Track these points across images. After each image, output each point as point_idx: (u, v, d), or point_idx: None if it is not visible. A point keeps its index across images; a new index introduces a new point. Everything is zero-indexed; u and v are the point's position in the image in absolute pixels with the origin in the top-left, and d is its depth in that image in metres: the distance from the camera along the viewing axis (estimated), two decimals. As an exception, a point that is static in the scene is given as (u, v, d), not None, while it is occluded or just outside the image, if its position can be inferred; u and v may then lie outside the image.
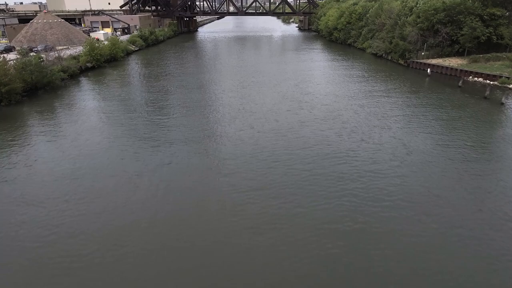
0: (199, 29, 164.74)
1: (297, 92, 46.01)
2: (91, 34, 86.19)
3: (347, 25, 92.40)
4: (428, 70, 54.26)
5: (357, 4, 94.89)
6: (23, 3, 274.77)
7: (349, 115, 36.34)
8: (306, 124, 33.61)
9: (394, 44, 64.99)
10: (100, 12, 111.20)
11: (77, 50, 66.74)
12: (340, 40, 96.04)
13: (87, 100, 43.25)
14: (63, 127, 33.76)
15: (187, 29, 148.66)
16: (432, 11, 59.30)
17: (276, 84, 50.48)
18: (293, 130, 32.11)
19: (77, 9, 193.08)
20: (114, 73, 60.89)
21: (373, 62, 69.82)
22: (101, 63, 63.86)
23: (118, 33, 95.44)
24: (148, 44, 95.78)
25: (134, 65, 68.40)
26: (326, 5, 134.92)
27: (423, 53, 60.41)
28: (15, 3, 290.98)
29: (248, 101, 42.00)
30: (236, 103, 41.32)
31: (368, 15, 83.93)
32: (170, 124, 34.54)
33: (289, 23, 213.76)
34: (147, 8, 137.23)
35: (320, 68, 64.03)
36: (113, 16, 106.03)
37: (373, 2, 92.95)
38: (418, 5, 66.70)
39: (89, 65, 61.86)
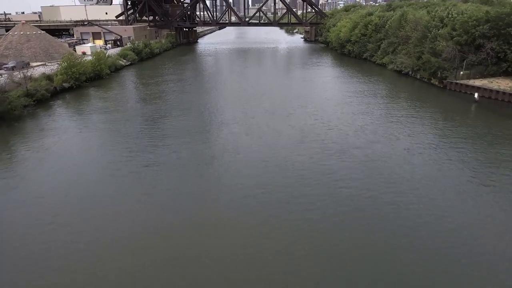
0: (199, 40, 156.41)
1: (317, 126, 36.20)
2: (77, 47, 77.10)
3: (362, 37, 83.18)
4: (476, 95, 44.41)
5: (372, 14, 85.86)
6: (25, 12, 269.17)
7: (398, 170, 26.28)
8: (340, 187, 23.57)
9: (425, 60, 55.43)
10: (89, 23, 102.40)
11: (55, 67, 57.44)
12: (354, 53, 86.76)
13: (49, 138, 33.49)
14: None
15: (187, 40, 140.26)
16: (473, 23, 49.85)
17: (289, 113, 40.75)
18: (327, 201, 22.03)
19: (72, 19, 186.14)
20: (95, 95, 51.38)
21: (398, 81, 60.19)
22: (81, 83, 54.47)
23: (109, 45, 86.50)
24: (142, 58, 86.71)
25: (120, 85, 58.95)
26: (335, 15, 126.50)
27: (461, 73, 50.76)
28: (16, 12, 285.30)
29: (256, 141, 32.15)
30: (241, 144, 31.49)
31: (387, 27, 74.73)
32: (152, 183, 24.69)
33: (293, 33, 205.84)
34: (144, 18, 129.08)
35: (337, 89, 54.43)
36: (102, 26, 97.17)
37: (391, 11, 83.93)
38: (450, 16, 57.36)
39: (66, 85, 52.43)
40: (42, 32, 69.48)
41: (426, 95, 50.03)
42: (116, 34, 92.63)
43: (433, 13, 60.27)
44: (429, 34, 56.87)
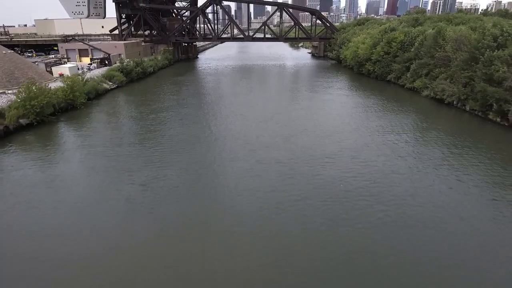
0: (200, 56, 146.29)
1: (350, 188, 24.51)
2: (54, 68, 66.16)
3: (384, 56, 72.09)
4: None
5: (395, 30, 74.99)
6: (27, 25, 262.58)
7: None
8: None
9: (479, 89, 43.92)
10: (73, 39, 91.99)
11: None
12: (374, 74, 75.55)
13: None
14: None
15: (186, 56, 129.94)
16: (548, 44, 38.53)
17: (307, 160, 29.44)
18: None
19: (65, 33, 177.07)
20: (62, 136, 39.96)
21: (440, 113, 48.62)
22: (46, 117, 43.15)
23: (94, 65, 75.56)
24: (132, 78, 75.71)
25: (97, 118, 47.46)
26: (347, 28, 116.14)
27: (533, 107, 39.20)
28: (19, 25, 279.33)
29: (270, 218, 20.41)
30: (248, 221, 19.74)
31: (416, 44, 63.64)
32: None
33: (298, 48, 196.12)
34: (141, 32, 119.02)
35: (362, 124, 42.81)
36: (87, 43, 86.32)
37: (419, 27, 73.02)
38: (506, 34, 46.10)
39: (24, 121, 41.07)
40: (9, 51, 58.65)
41: (487, 136, 38.37)
42: (104, 52, 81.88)
43: (483, 30, 48.98)
44: (480, 57, 45.50)
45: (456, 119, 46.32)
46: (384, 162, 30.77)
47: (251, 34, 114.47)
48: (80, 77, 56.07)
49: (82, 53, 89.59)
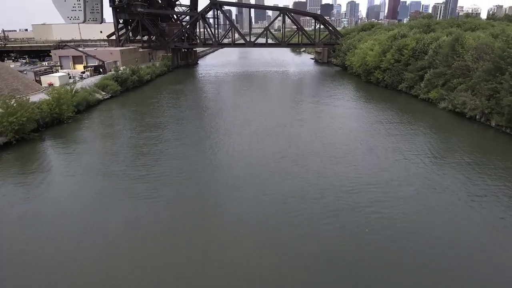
0: (200, 62, 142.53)
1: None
2: (43, 78, 62.04)
3: (395, 64, 67.88)
4: None
5: (405, 36, 70.86)
6: (28, 30, 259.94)
7: None
8: None
9: (507, 103, 39.58)
10: (65, 45, 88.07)
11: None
12: (384, 83, 71.31)
13: None
14: None
15: (185, 62, 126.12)
16: None
17: (319, 191, 24.96)
18: None
19: (62, 38, 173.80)
20: (43, 157, 35.60)
21: (461, 129, 44.20)
22: (27, 134, 38.87)
23: (87, 73, 71.43)
24: (128, 87, 71.56)
25: (83, 136, 42.94)
26: (352, 34, 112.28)
27: None
28: (20, 29, 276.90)
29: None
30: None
31: (430, 52, 59.47)
32: None
33: (300, 53, 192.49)
34: (139, 37, 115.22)
35: (377, 140, 38.45)
36: (79, 49, 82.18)
37: (431, 33, 68.88)
38: (534, 41, 41.87)
39: (1, 140, 36.80)
40: (-7, 60, 54.52)
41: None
42: (98, 59, 77.83)
43: (507, 38, 44.71)
44: (508, 67, 41.21)
45: (481, 136, 41.91)
46: (412, 194, 26.33)
47: (252, 39, 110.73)
48: (69, 87, 51.94)
49: (76, 60, 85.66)
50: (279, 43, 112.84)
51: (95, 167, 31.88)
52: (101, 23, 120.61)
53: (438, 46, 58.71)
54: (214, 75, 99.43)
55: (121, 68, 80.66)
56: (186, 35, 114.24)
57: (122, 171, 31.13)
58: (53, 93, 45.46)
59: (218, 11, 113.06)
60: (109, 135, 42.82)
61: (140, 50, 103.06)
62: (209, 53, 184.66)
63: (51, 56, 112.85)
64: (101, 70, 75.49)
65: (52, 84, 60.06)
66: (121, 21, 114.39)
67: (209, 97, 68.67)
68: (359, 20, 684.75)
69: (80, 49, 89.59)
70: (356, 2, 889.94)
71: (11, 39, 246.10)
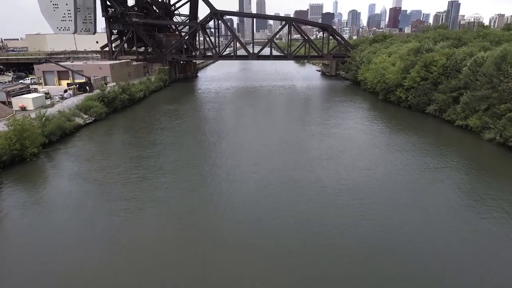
0: (200, 74, 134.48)
1: None
2: (14, 99, 53.38)
3: (421, 83, 59.30)
4: None
5: (431, 51, 62.45)
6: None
7: None
8: None
9: None
10: (47, 60, 79.73)
11: None
12: (407, 103, 62.62)
13: None
14: None
15: (184, 75, 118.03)
16: None
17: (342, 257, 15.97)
18: None
19: (55, 49, 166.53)
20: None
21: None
22: (-28, 181, 30.07)
23: (69, 92, 62.74)
24: (116, 108, 62.97)
25: (47, 180, 34.03)
26: (362, 45, 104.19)
27: None
28: (21, 38, 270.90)
29: None
30: None
31: (466, 70, 50.88)
32: None
33: (303, 64, 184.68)
34: (135, 49, 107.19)
35: (408, 181, 30.29)
36: (61, 64, 73.33)
37: (463, 47, 60.41)
38: None
39: None
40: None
41: None
42: (83, 76, 69.35)
43: None
44: None
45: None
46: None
47: (255, 51, 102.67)
48: (41, 113, 43.36)
49: (62, 75, 77.32)
50: (284, 56, 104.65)
51: (49, 230, 22.87)
52: (94, 34, 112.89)
53: (475, 63, 50.12)
54: (214, 91, 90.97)
55: (111, 85, 72.41)
56: (185, 46, 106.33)
57: (88, 240, 22.14)
58: (14, 124, 36.72)
59: (219, 21, 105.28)
60: (79, 179, 33.85)
61: (134, 63, 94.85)
62: (210, 64, 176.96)
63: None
64: (87, 87, 66.97)
65: (24, 108, 51.53)
66: (115, 32, 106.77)
67: (208, 119, 59.92)
68: (361, 29, 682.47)
69: (66, 63, 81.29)
70: (358, 11, 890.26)
71: (9, 48, 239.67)
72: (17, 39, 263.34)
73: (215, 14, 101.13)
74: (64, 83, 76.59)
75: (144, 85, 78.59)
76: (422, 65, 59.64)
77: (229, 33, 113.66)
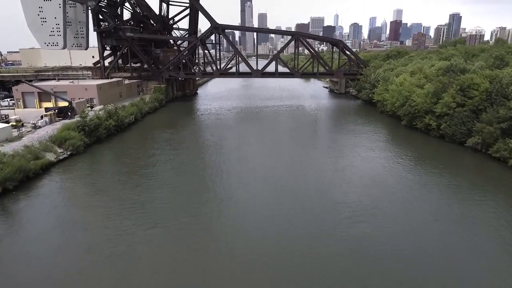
0: (200, 90, 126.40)
1: None
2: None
3: (457, 109, 50.39)
4: None
5: (465, 71, 53.77)
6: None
7: None
8: None
9: None
10: (22, 81, 71.19)
11: None
12: (439, 132, 53.53)
13: None
14: None
15: (182, 93, 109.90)
16: None
17: None
18: None
19: (47, 64, 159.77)
20: None
21: None
22: None
23: (45, 119, 53.79)
24: (99, 137, 54.02)
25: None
26: (374, 61, 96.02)
27: None
28: (20, 49, 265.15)
29: None
30: None
31: (518, 97, 41.97)
32: None
33: (308, 79, 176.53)
34: (130, 65, 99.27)
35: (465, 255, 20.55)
36: (34, 85, 64.23)
37: (507, 68, 51.69)
38: None
39: None
40: None
41: None
42: (64, 99, 60.79)
43: None
44: None
45: None
46: None
47: (258, 66, 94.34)
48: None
49: (44, 97, 68.86)
50: (291, 73, 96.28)
51: None
52: (86, 49, 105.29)
53: (530, 89, 41.27)
54: (215, 112, 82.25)
55: (97, 108, 63.82)
56: (184, 62, 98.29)
57: None
58: None
59: (220, 36, 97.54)
60: (37, 247, 24.54)
61: (127, 82, 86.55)
62: (210, 79, 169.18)
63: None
64: (69, 112, 58.26)
65: (-18, 142, 42.64)
66: (108, 47, 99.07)
67: (207, 151, 50.79)
68: (362, 42, 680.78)
69: (49, 83, 72.96)
70: (359, 24, 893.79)
71: (8, 61, 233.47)
72: (18, 52, 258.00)
73: (216, 28, 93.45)
74: (46, 105, 68.12)
75: (135, 108, 69.84)
76: (457, 88, 50.85)
77: (231, 48, 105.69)
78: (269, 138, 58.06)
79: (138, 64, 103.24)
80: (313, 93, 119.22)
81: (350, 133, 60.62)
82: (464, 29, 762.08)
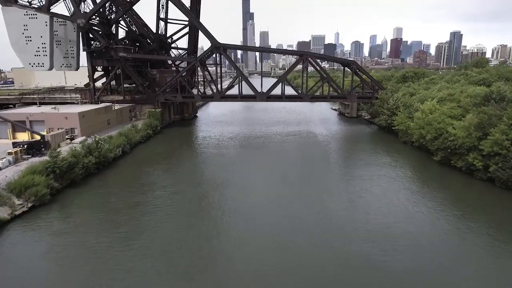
0: (199, 113, 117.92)
1: None
2: None
3: (511, 148, 40.93)
4: None
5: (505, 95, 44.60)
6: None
7: None
8: None
9: None
10: None
11: None
12: (487, 175, 43.87)
13: None
14: None
15: (181, 116, 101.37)
16: None
17: None
18: None
19: (39, 84, 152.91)
20: None
21: None
22: None
23: (8, 158, 44.28)
24: (73, 180, 44.54)
25: None
26: (389, 83, 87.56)
27: None
28: (13, 68, 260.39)
29: None
30: None
31: None
32: None
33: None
34: (122, 88, 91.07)
35: None
36: (5, 118, 55.21)
37: None
38: None
39: None
40: None
41: None
42: (35, 132, 51.67)
43: None
44: None
45: None
46: None
47: (260, 83, 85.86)
48: None
49: (18, 127, 59.79)
50: (300, 97, 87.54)
51: None
52: (77, 70, 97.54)
53: None
54: (215, 141, 73.03)
55: (78, 141, 54.71)
56: (183, 83, 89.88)
57: None
58: None
59: (222, 56, 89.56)
60: None
61: (117, 106, 77.77)
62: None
63: (11, 107, 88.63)
64: (42, 148, 48.98)
65: None
66: (99, 68, 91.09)
67: (205, 195, 41.15)
68: (363, 59, 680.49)
69: (22, 110, 64.25)
70: (361, 42, 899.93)
71: (8, 79, 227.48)
72: (24, 67, 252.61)
73: (217, 48, 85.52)
74: (22, 136, 59.12)
75: (123, 139, 60.59)
76: (509, 123, 41.59)
77: (233, 69, 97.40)
78: (277, 178, 48.33)
79: (134, 85, 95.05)
80: (321, 116, 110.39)
81: (373, 170, 50.87)
82: (465, 46, 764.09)
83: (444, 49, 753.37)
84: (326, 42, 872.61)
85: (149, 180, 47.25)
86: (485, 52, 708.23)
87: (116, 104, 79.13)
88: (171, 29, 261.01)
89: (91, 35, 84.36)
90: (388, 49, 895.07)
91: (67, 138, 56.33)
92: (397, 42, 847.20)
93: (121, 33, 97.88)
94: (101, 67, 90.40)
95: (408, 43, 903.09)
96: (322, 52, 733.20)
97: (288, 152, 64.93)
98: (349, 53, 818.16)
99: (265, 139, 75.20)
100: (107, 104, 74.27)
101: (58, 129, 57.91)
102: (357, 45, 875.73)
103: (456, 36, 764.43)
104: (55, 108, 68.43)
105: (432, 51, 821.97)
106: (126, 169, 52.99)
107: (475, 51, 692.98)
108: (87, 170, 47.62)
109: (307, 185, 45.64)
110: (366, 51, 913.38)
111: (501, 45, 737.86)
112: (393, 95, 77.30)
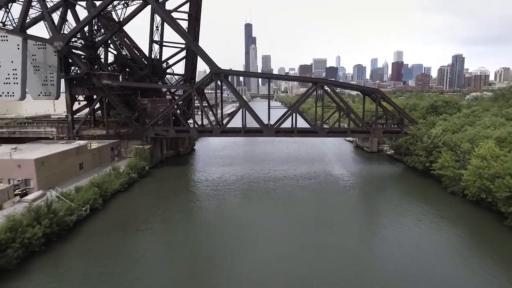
0: (197, 145, 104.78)
1: None
2: None
3: None
4: None
5: None
6: None
7: None
8: None
9: None
10: None
11: None
12: None
13: None
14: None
15: (175, 152, 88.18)
16: None
17: None
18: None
19: (27, 112, 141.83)
20: None
21: None
22: None
23: None
24: (8, 261, 30.53)
25: None
26: (417, 114, 74.71)
27: None
28: None
29: None
30: None
31: None
32: None
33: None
34: (106, 121, 78.43)
35: None
36: None
37: None
38: None
39: None
40: None
41: None
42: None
43: None
44: None
45: None
46: None
47: (273, 126, 72.79)
48: None
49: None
50: (315, 131, 74.24)
51: None
52: (57, 99, 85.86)
53: None
54: (213, 187, 59.20)
55: (33, 196, 40.99)
56: (178, 114, 77.19)
57: None
58: None
59: (222, 83, 77.48)
60: None
61: (95, 145, 64.47)
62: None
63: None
64: (-28, 212, 35.19)
65: None
66: (80, 97, 78.99)
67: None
68: (366, 83, 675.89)
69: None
70: (363, 66, 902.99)
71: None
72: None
73: (217, 74, 73.44)
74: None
75: (93, 191, 46.68)
76: None
77: (235, 99, 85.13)
78: (289, 244, 33.99)
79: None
80: (336, 150, 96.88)
81: (411, 232, 36.53)
82: (467, 69, 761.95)
83: (447, 72, 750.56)
84: (327, 66, 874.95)
85: (118, 262, 33.05)
86: (488, 75, 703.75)
87: (94, 142, 65.97)
88: (166, 52, 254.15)
89: (70, 60, 72.65)
90: (390, 72, 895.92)
91: (16, 194, 42.66)
92: (398, 65, 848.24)
93: (111, 58, 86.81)
94: (83, 96, 78.29)
95: (409, 66, 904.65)
96: (324, 75, 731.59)
97: (301, 202, 50.98)
98: (352, 76, 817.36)
99: (274, 185, 61.26)
100: (81, 142, 60.89)
101: (9, 180, 44.45)
102: (359, 69, 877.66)
103: (459, 59, 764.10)
104: (15, 149, 55.22)
105: (433, 74, 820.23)
106: (88, 240, 38.74)
107: (478, 74, 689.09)
108: (30, 247, 33.62)
109: (324, 260, 31.18)
110: (368, 75, 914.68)
111: (503, 67, 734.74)
112: (428, 130, 63.97)
